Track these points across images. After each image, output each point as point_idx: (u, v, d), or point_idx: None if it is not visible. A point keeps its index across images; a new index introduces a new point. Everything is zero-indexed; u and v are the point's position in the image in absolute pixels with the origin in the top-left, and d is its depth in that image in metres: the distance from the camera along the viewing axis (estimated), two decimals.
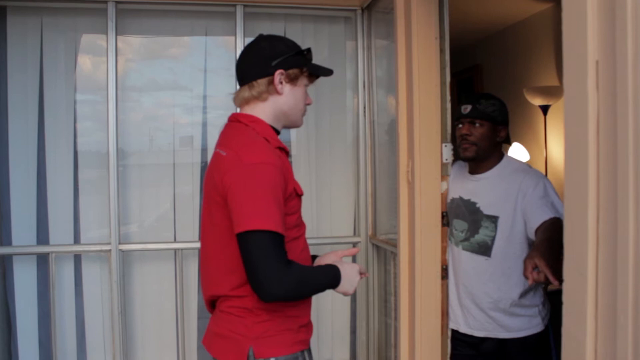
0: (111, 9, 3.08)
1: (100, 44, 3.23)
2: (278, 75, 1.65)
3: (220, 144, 1.67)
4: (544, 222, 2.06)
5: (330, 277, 1.64)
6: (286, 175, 1.59)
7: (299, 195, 1.67)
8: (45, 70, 3.17)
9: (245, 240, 1.47)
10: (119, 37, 3.15)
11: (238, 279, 1.58)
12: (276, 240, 1.47)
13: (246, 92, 1.68)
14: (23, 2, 3.08)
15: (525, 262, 1.76)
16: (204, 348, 1.70)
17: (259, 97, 1.67)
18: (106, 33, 3.10)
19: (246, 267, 1.49)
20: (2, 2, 3.07)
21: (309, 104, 1.77)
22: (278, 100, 1.68)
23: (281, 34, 3.40)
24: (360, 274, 1.72)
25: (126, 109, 3.30)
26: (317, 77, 1.77)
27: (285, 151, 1.72)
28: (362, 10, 3.38)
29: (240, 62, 1.72)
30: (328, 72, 1.76)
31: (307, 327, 1.73)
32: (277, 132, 1.73)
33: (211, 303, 1.71)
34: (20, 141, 3.13)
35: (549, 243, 1.85)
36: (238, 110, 1.76)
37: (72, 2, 3.11)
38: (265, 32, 1.76)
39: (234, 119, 1.71)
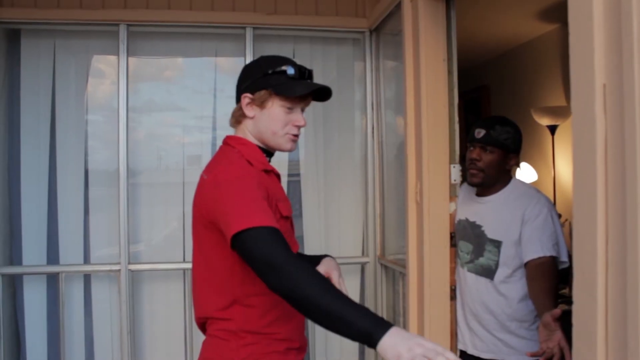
0: (123, 31, 3.14)
1: (111, 66, 3.28)
2: (243, 99, 1.65)
3: (206, 167, 1.65)
4: (530, 263, 2.16)
5: (360, 315, 1.28)
6: (268, 191, 1.57)
7: (284, 217, 1.64)
8: (57, 91, 3.21)
9: (241, 242, 1.39)
10: (130, 59, 3.19)
11: (223, 301, 1.57)
12: (271, 232, 1.39)
13: (231, 115, 1.73)
14: (36, 25, 3.14)
15: (548, 338, 1.91)
16: None
17: (237, 121, 1.70)
18: (118, 55, 3.15)
19: (252, 266, 1.40)
20: (16, 25, 3.13)
21: (298, 126, 1.68)
22: (249, 124, 1.67)
23: (290, 55, 3.44)
24: None
25: (136, 129, 3.34)
26: (310, 97, 1.71)
27: (275, 173, 1.72)
28: (371, 32, 3.41)
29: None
30: (299, 91, 1.63)
31: (297, 350, 1.67)
32: (269, 154, 1.73)
33: (202, 325, 1.69)
34: (32, 161, 3.17)
35: (550, 296, 2.07)
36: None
37: (84, 25, 3.17)
38: (273, 53, 1.78)
39: (224, 142, 1.73)
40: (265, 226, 1.39)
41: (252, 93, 1.64)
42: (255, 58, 1.82)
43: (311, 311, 1.31)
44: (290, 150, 1.73)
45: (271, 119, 1.65)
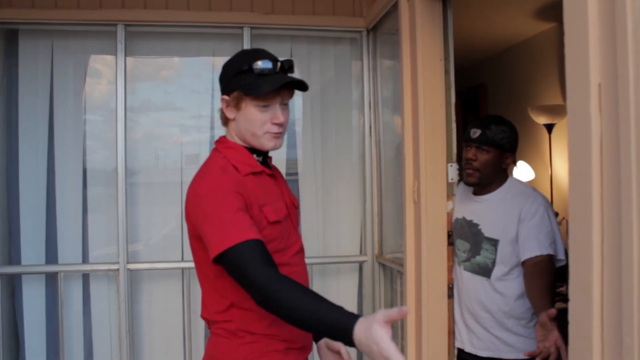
0: (121, 31, 3.14)
1: (109, 66, 3.28)
2: (222, 101, 1.63)
3: (193, 178, 1.63)
4: (528, 262, 2.17)
5: (335, 320, 1.29)
6: (250, 198, 1.53)
7: (271, 222, 1.58)
8: (55, 91, 3.22)
9: (223, 263, 1.44)
10: (128, 58, 3.20)
11: (220, 305, 1.58)
12: (250, 247, 1.40)
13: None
14: (34, 26, 3.14)
15: (545, 337, 1.95)
16: None
17: (224, 123, 1.68)
18: (115, 55, 3.16)
19: (239, 284, 1.44)
20: (14, 26, 3.13)
21: (277, 124, 1.61)
22: (233, 125, 1.65)
23: (287, 55, 3.45)
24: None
25: (134, 129, 3.34)
26: (287, 90, 1.62)
27: (267, 173, 1.67)
28: (368, 31, 3.42)
29: None
30: (261, 91, 1.55)
31: (300, 350, 1.65)
32: (260, 152, 1.67)
33: (207, 322, 1.70)
34: (30, 161, 3.18)
35: (548, 295, 2.09)
36: None
37: (82, 25, 3.17)
38: (271, 54, 1.74)
39: (215, 145, 1.71)
40: (241, 242, 1.40)
41: (228, 95, 1.61)
42: (242, 51, 1.75)
43: (295, 322, 1.37)
44: (274, 149, 1.66)
45: (248, 120, 1.60)
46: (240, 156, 1.63)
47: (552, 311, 1.95)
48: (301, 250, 1.74)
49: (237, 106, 1.60)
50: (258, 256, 1.40)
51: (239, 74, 1.58)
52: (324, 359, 1.76)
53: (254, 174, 1.62)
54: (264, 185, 1.64)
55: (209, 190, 1.50)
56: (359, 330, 1.22)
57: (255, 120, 1.59)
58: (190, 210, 1.55)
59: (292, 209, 1.75)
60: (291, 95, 1.66)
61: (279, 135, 1.64)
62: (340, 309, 1.30)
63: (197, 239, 1.55)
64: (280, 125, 1.61)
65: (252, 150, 1.66)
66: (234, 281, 1.49)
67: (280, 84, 1.56)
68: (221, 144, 1.67)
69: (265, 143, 1.63)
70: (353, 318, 1.25)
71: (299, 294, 1.35)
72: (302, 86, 1.63)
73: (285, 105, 1.64)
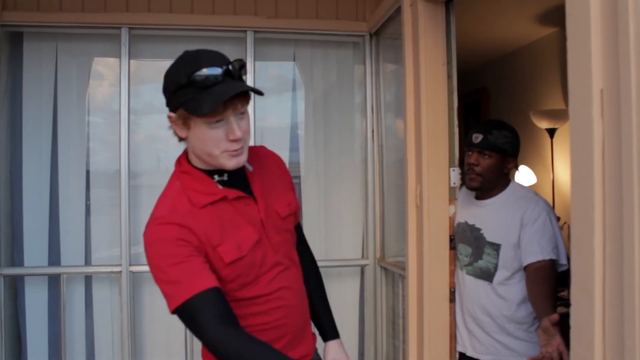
0: (125, 34, 3.16)
1: (113, 68, 3.30)
2: (168, 119, 1.44)
3: None
4: (530, 267, 2.17)
5: None
6: (198, 239, 1.39)
7: (228, 263, 1.43)
8: (59, 94, 3.23)
9: (180, 318, 1.39)
10: (132, 61, 3.21)
11: None
12: (201, 300, 1.32)
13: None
14: (39, 28, 3.16)
15: (547, 342, 1.95)
16: None
17: (179, 140, 1.48)
18: (119, 58, 3.17)
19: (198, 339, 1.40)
20: (19, 28, 3.15)
21: (234, 140, 1.38)
22: (189, 144, 1.46)
23: (291, 58, 3.46)
24: None
25: (137, 131, 3.35)
26: (246, 96, 1.40)
27: (230, 198, 1.47)
28: (371, 35, 3.43)
29: None
30: (204, 110, 1.32)
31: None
32: (222, 172, 1.47)
33: None
34: (34, 163, 3.19)
35: (550, 300, 2.11)
36: None
37: (86, 28, 3.18)
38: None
39: (174, 165, 1.55)
40: (190, 298, 1.32)
41: (173, 112, 1.40)
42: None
43: None
44: (237, 167, 1.43)
45: (200, 140, 1.39)
46: (197, 184, 1.45)
47: (555, 316, 1.95)
48: (287, 269, 1.58)
49: (185, 124, 1.39)
50: (212, 311, 1.32)
51: (179, 89, 1.36)
52: None
53: (212, 204, 1.44)
54: (227, 213, 1.46)
55: (151, 242, 1.40)
56: None
57: (209, 140, 1.38)
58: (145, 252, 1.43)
59: (276, 222, 1.56)
60: (247, 101, 1.41)
61: (239, 152, 1.41)
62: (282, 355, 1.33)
63: None
64: (237, 141, 1.39)
65: (213, 171, 1.47)
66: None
67: (226, 98, 1.32)
68: (179, 167, 1.51)
69: (225, 163, 1.41)
70: None
71: (259, 355, 1.32)
72: (257, 91, 1.41)
73: (242, 115, 1.41)
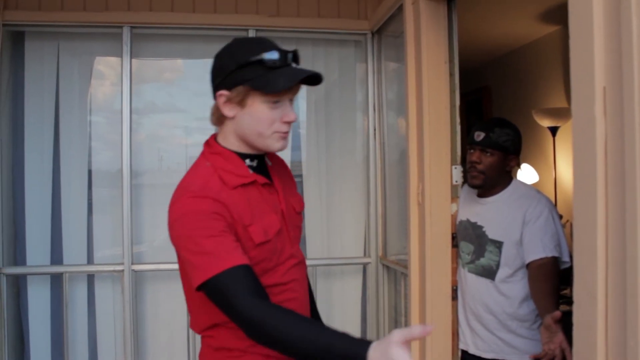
0: (126, 33, 3.15)
1: (114, 68, 3.30)
2: (220, 97, 1.42)
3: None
4: (532, 264, 2.17)
5: (343, 349, 1.16)
6: (231, 217, 1.37)
7: (258, 245, 1.41)
8: (60, 93, 3.23)
9: (207, 292, 1.31)
10: (133, 60, 3.21)
11: (206, 322, 1.48)
12: (234, 275, 1.27)
13: (210, 114, 1.50)
14: (40, 28, 3.16)
15: (550, 340, 1.94)
16: None
17: (216, 122, 1.48)
18: (121, 57, 3.17)
19: (227, 316, 1.31)
20: (21, 28, 3.15)
21: (288, 122, 1.44)
22: (232, 125, 1.45)
23: None
24: None
25: (139, 131, 3.35)
26: (272, 92, 1.40)
27: (260, 183, 1.48)
28: (372, 34, 3.43)
29: None
30: (285, 83, 1.37)
31: None
32: (254, 157, 1.50)
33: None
34: (36, 162, 3.19)
35: (552, 297, 2.09)
36: None
37: (88, 28, 3.18)
38: (275, 42, 1.52)
39: (203, 146, 1.54)
40: (224, 271, 1.26)
41: (228, 90, 1.40)
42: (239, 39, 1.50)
43: (297, 356, 1.24)
44: (282, 150, 1.49)
45: (254, 118, 1.41)
46: (229, 165, 1.46)
47: (557, 313, 1.95)
48: (300, 263, 1.58)
49: (240, 103, 1.40)
50: (245, 285, 1.27)
51: (245, 66, 1.37)
52: None
53: (243, 186, 1.44)
54: (254, 198, 1.46)
55: (184, 213, 1.35)
56: (374, 356, 1.09)
57: (264, 119, 1.41)
58: (170, 231, 1.39)
59: (293, 215, 1.58)
60: (298, 91, 1.48)
61: (286, 136, 1.46)
62: (346, 336, 1.17)
63: (179, 255, 1.43)
64: (289, 123, 1.44)
65: (245, 154, 1.49)
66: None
67: (299, 79, 1.38)
68: (209, 148, 1.50)
69: (273, 144, 1.45)
70: (364, 344, 1.12)
71: (298, 326, 1.22)
72: (316, 80, 1.46)
73: (291, 102, 1.47)
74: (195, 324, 1.54)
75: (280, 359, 1.47)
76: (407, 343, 1.09)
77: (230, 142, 1.48)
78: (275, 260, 1.47)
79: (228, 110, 1.42)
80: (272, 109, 1.40)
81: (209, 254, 1.29)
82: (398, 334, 1.08)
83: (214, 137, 1.53)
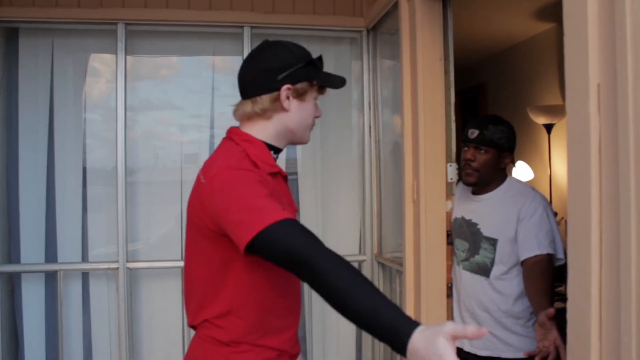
0: (121, 30, 3.14)
1: (109, 64, 3.28)
2: (285, 91, 1.49)
3: (204, 166, 1.51)
4: (527, 261, 2.17)
5: (392, 319, 1.11)
6: (271, 191, 1.41)
7: None
8: (55, 90, 3.22)
9: (260, 245, 1.27)
10: (128, 57, 3.20)
11: (219, 308, 1.47)
12: (288, 224, 1.27)
13: (248, 107, 1.51)
14: (35, 24, 3.14)
15: (544, 337, 1.96)
16: None
17: (262, 114, 1.51)
18: (116, 54, 3.16)
19: (280, 265, 1.28)
20: (15, 24, 3.13)
21: (318, 117, 1.60)
22: (283, 118, 1.52)
23: None
24: None
25: (134, 128, 3.35)
26: (330, 88, 1.59)
27: (282, 175, 1.57)
28: (368, 31, 3.42)
29: (243, 73, 1.55)
30: (340, 83, 1.57)
31: (293, 355, 1.59)
32: (278, 150, 1.58)
33: (193, 326, 1.59)
34: (30, 159, 3.18)
35: (547, 294, 2.09)
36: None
37: (82, 24, 3.17)
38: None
39: (228, 136, 1.58)
40: (279, 221, 1.26)
41: (293, 84, 1.49)
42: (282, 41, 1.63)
43: (344, 311, 1.17)
44: (308, 142, 1.66)
45: (307, 111, 1.55)
46: (260, 153, 1.51)
47: (551, 310, 1.95)
48: None
49: (300, 96, 1.52)
50: (302, 231, 1.26)
51: (308, 64, 1.52)
52: None
53: (271, 174, 1.51)
54: (279, 187, 1.54)
55: (232, 180, 1.37)
56: (418, 338, 1.03)
57: (310, 113, 1.56)
58: (206, 202, 1.40)
59: (295, 214, 1.65)
60: None
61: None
62: (398, 309, 1.13)
63: (207, 236, 1.42)
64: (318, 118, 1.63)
65: (271, 147, 1.56)
66: (236, 286, 1.43)
67: (345, 80, 1.58)
68: (237, 136, 1.54)
69: (307, 136, 1.61)
70: (413, 323, 1.08)
71: (354, 279, 1.16)
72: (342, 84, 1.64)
73: None
74: (201, 314, 1.50)
75: (290, 353, 1.56)
76: (456, 339, 1.02)
77: (266, 133, 1.54)
78: None
79: (287, 104, 1.50)
80: (313, 105, 1.57)
81: (262, 209, 1.29)
82: (451, 327, 1.02)
83: (236, 127, 1.58)
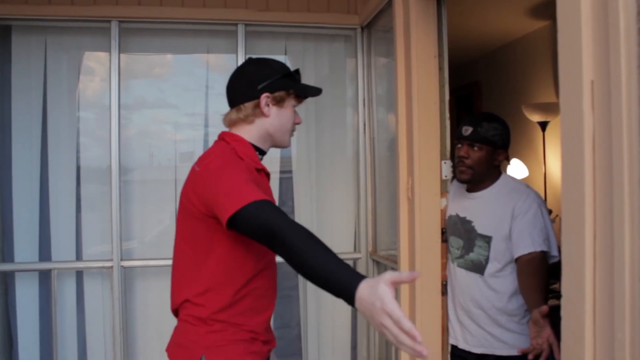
0: (114, 28, 3.13)
1: (103, 62, 3.27)
2: (264, 98, 1.71)
3: (198, 159, 1.71)
4: (521, 259, 2.17)
5: (343, 277, 1.26)
6: (257, 183, 1.60)
7: None
8: (48, 88, 3.20)
9: (240, 219, 1.45)
10: (122, 55, 3.19)
11: (200, 287, 1.64)
12: (267, 204, 1.45)
13: (233, 115, 1.74)
14: (28, 22, 3.13)
15: (538, 334, 1.96)
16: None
17: (245, 120, 1.73)
18: (109, 51, 3.15)
19: (255, 238, 1.48)
20: (7, 22, 3.12)
21: (297, 124, 1.83)
22: (264, 123, 1.74)
23: (282, 52, 3.45)
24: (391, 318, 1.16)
25: (128, 126, 3.33)
26: (305, 97, 1.83)
27: (265, 172, 1.78)
28: (362, 28, 3.42)
29: (229, 86, 1.78)
30: (316, 93, 1.82)
31: (266, 342, 1.75)
32: (263, 152, 1.79)
33: (176, 312, 1.77)
34: (24, 158, 3.16)
35: (541, 292, 2.10)
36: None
37: (76, 22, 3.16)
38: (265, 51, 1.81)
39: (219, 138, 1.78)
40: (258, 200, 1.44)
41: (271, 93, 1.72)
42: (247, 55, 1.85)
43: (308, 274, 1.35)
44: (289, 145, 1.87)
45: (286, 117, 1.76)
46: (247, 150, 1.72)
47: (544, 308, 1.96)
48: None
49: (278, 103, 1.74)
50: (276, 210, 1.44)
51: (287, 76, 1.75)
52: None
53: (257, 170, 1.71)
54: (263, 182, 1.74)
55: (223, 165, 1.58)
56: (363, 287, 1.20)
57: (290, 119, 1.78)
58: (199, 185, 1.60)
59: None
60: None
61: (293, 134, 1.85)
62: (350, 267, 1.30)
63: (196, 217, 1.61)
64: (297, 124, 1.85)
65: (256, 148, 1.76)
66: (217, 264, 1.62)
67: (321, 90, 1.83)
68: (229, 137, 1.75)
69: (287, 141, 1.82)
70: (360, 277, 1.24)
71: (317, 248, 1.34)
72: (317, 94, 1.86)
73: None
74: (183, 292, 1.68)
75: (262, 339, 1.72)
76: (394, 285, 1.19)
77: (250, 136, 1.75)
78: None
79: (267, 110, 1.73)
80: (292, 112, 1.79)
81: (245, 191, 1.48)
82: (389, 275, 1.19)
83: (227, 132, 1.79)
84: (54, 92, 3.21)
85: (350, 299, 1.22)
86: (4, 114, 3.15)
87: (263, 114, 1.72)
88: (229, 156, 1.64)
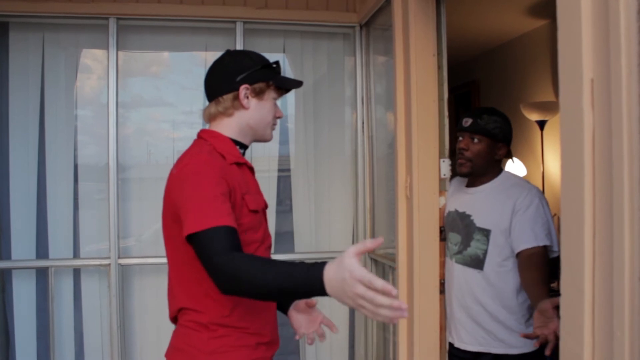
0: (112, 25, 3.12)
1: (101, 60, 3.26)
2: (243, 90, 1.66)
3: (176, 161, 1.68)
4: (523, 253, 2.18)
5: (302, 273, 1.27)
6: (233, 185, 1.57)
7: (251, 210, 1.63)
8: (46, 85, 3.19)
9: (194, 243, 1.45)
10: (120, 53, 3.18)
11: (197, 292, 1.59)
12: (221, 232, 1.42)
13: (212, 108, 1.70)
14: (25, 19, 3.12)
15: (544, 325, 1.96)
16: None
17: (224, 113, 1.69)
18: (107, 49, 3.14)
19: (204, 267, 1.44)
20: (5, 19, 3.10)
21: (279, 117, 1.77)
22: (244, 115, 1.69)
23: (280, 50, 3.44)
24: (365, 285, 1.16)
25: (126, 124, 3.32)
26: (287, 90, 1.79)
27: (248, 166, 1.73)
28: (361, 26, 3.42)
29: (207, 78, 1.73)
30: (296, 85, 1.78)
31: (268, 345, 1.69)
32: (244, 146, 1.74)
33: (174, 319, 1.72)
34: (21, 156, 3.15)
35: (544, 286, 2.10)
36: (207, 126, 1.78)
37: (73, 19, 3.15)
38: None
39: (198, 136, 1.75)
40: (215, 227, 1.41)
41: (251, 84, 1.67)
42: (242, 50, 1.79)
43: (262, 293, 1.36)
44: (271, 139, 1.80)
45: (265, 110, 1.71)
46: (225, 146, 1.67)
47: (557, 299, 1.94)
48: (269, 248, 1.78)
49: (258, 96, 1.69)
50: (226, 243, 1.40)
51: (266, 67, 1.70)
52: (296, 324, 1.91)
53: (237, 164, 1.67)
54: (245, 177, 1.70)
55: (195, 171, 1.53)
56: (329, 269, 1.21)
57: (270, 112, 1.72)
58: (173, 189, 1.58)
59: (264, 207, 1.79)
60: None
61: (275, 128, 1.79)
62: (304, 263, 1.29)
63: (174, 221, 1.56)
64: (279, 118, 1.79)
65: (237, 143, 1.72)
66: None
67: (301, 83, 1.78)
68: (206, 134, 1.71)
69: (269, 134, 1.76)
70: (321, 264, 1.25)
71: (260, 264, 1.33)
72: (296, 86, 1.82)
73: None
74: (182, 298, 1.63)
75: (267, 340, 1.67)
76: (359, 255, 1.20)
77: (231, 130, 1.70)
78: (261, 234, 1.69)
79: (246, 102, 1.67)
80: (273, 105, 1.73)
81: (209, 209, 1.45)
82: (352, 247, 1.20)
83: (205, 129, 1.75)
84: (51, 90, 3.20)
85: (321, 286, 1.22)
86: (1, 111, 3.14)
87: (242, 107, 1.67)
88: (205, 157, 1.58)
